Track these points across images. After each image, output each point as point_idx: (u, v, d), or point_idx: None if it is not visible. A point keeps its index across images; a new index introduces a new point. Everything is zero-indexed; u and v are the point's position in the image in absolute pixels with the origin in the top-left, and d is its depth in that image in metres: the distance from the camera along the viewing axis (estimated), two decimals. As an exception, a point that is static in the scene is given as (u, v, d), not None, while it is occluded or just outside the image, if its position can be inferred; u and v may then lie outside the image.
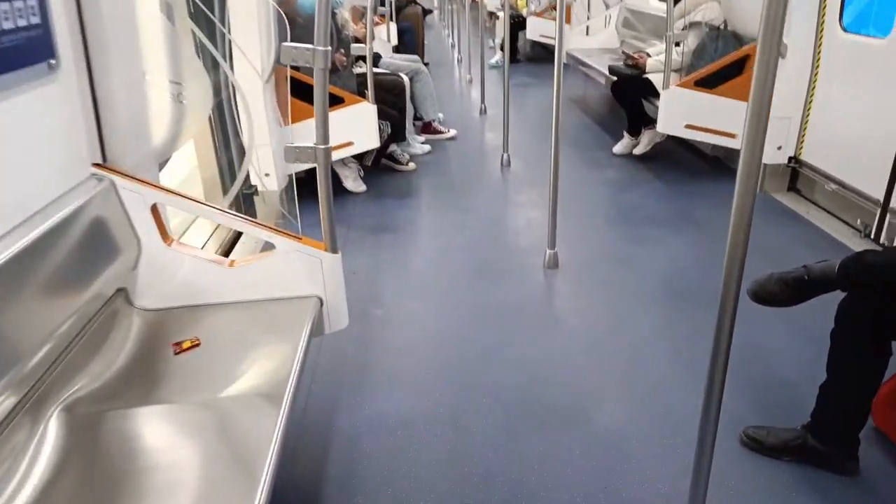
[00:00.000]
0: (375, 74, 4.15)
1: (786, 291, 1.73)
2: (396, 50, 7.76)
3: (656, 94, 4.00)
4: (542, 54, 8.41)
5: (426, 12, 12.19)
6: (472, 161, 4.48)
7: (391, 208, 3.64)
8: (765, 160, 3.44)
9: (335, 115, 3.60)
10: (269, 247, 1.76)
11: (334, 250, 1.74)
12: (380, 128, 3.59)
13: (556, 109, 2.63)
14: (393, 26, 6.88)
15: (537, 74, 7.39)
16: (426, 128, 4.93)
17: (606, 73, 5.35)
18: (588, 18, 7.03)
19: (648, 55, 4.18)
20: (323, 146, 1.64)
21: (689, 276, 2.73)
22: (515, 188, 3.94)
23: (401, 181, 4.07)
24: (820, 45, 3.23)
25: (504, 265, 2.91)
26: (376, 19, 6.39)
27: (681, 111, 3.63)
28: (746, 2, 3.71)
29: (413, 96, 4.78)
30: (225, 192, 3.65)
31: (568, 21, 6.77)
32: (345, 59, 3.66)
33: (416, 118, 5.01)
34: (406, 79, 4.46)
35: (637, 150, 4.24)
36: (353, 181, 3.81)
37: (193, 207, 1.67)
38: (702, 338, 2.41)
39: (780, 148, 3.47)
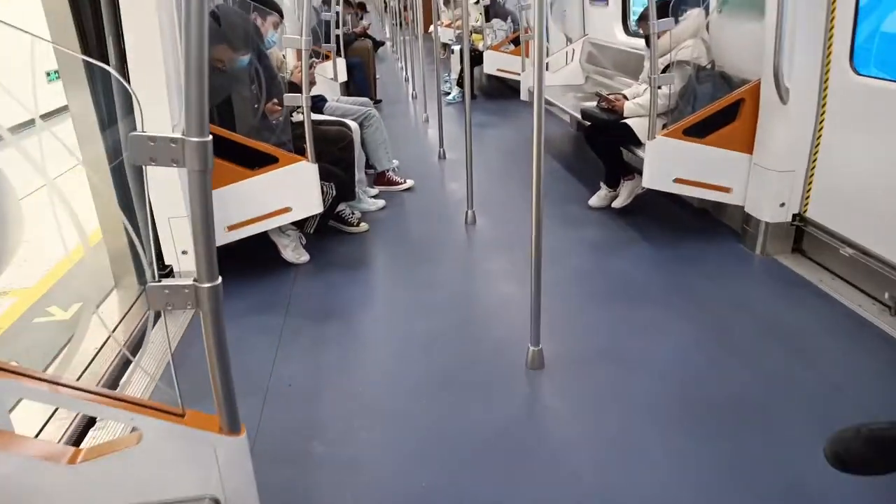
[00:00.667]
0: (318, 124, 3.61)
1: (882, 456, 1.21)
2: (346, 86, 7.27)
3: (636, 142, 3.56)
4: (501, 89, 8.04)
5: (377, 45, 11.75)
6: (433, 218, 3.95)
7: (338, 285, 3.07)
8: (766, 218, 3.02)
9: (267, 178, 3.02)
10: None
11: (235, 429, 1.16)
12: (323, 190, 3.03)
13: (537, 185, 2.10)
14: (341, 62, 6.36)
15: (496, 111, 6.98)
16: (380, 178, 4.40)
17: (571, 111, 4.95)
18: (547, 53, 6.66)
19: (625, 97, 3.75)
20: (208, 283, 1.06)
21: (705, 381, 2.23)
22: (483, 253, 3.42)
23: (350, 246, 3.51)
24: (826, 88, 2.83)
25: (477, 367, 2.35)
26: (318, 58, 5.87)
27: (669, 164, 3.18)
28: (736, 39, 3.31)
29: (364, 143, 4.25)
30: (138, 271, 3.03)
31: (527, 55, 6.38)
32: (279, 108, 3.10)
33: (367, 166, 4.48)
34: (354, 126, 3.92)
35: (616, 204, 3.78)
36: (292, 251, 3.22)
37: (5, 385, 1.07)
38: (735, 473, 1.84)
39: (783, 205, 3.04)
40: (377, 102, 7.55)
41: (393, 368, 2.38)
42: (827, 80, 2.82)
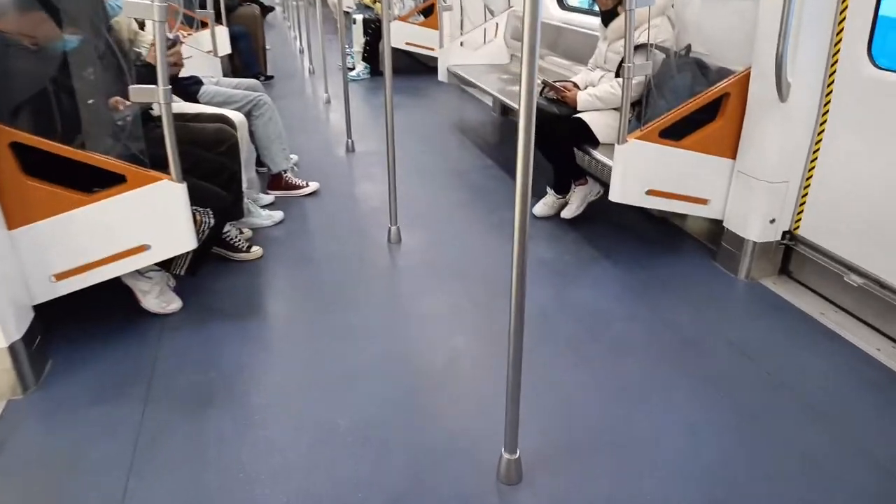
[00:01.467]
0: (190, 118, 2.74)
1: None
2: (231, 60, 6.21)
3: (592, 141, 2.97)
4: (409, 64, 7.22)
5: (266, 10, 10.49)
6: (346, 234, 3.17)
7: (222, 344, 2.25)
8: (753, 237, 2.53)
9: (111, 205, 2.11)
10: None
11: None
12: (196, 218, 2.19)
13: (520, 251, 1.41)
14: (223, 32, 5.33)
15: (406, 91, 6.19)
16: (275, 182, 3.55)
17: (496, 94, 4.31)
18: (461, 26, 5.95)
19: (576, 86, 3.13)
20: None
21: (739, 479, 1.67)
22: (416, 286, 2.70)
23: (238, 281, 2.68)
24: (831, 83, 2.33)
25: (429, 483, 1.66)
26: (191, 26, 4.83)
27: (642, 173, 2.60)
28: (714, 19, 2.75)
29: (254, 138, 3.39)
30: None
31: (434, 27, 5.63)
32: (125, 103, 2.19)
33: (258, 163, 3.62)
34: (239, 118, 3.05)
35: (567, 213, 3.18)
36: (156, 298, 2.36)
37: None
38: None
39: (773, 221, 2.55)
40: (268, 79, 6.55)
41: (306, 493, 1.64)
42: (833, 73, 2.32)
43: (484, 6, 5.32)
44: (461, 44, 5.11)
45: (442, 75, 4.98)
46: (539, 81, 3.32)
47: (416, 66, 7.11)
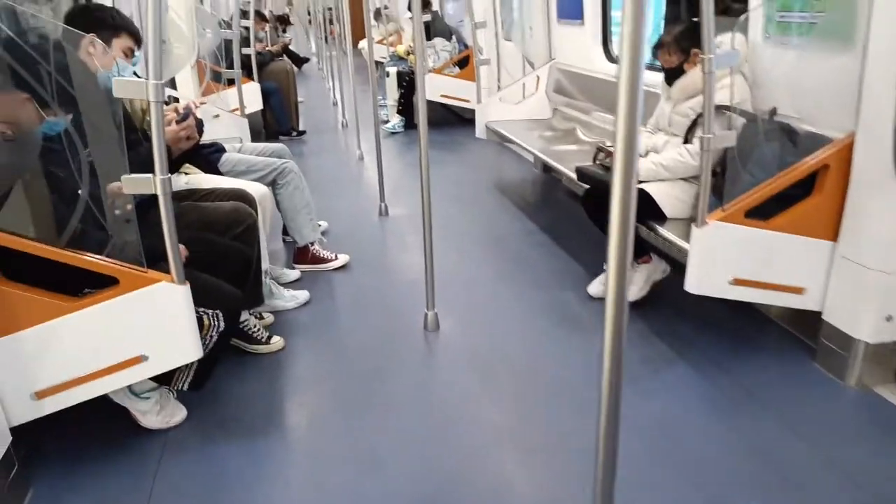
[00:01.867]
0: (203, 196, 2.47)
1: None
2: (263, 116, 6.08)
3: (658, 215, 2.59)
4: (444, 116, 7.00)
5: (301, 62, 10.52)
6: (378, 319, 2.82)
7: (230, 466, 1.90)
8: (865, 337, 2.08)
9: (101, 312, 1.75)
10: None
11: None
12: (202, 322, 1.87)
13: (612, 396, 1.05)
14: (254, 89, 5.17)
15: (443, 144, 5.92)
16: (302, 255, 3.24)
17: (538, 153, 4.01)
18: (499, 79, 5.68)
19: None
20: None
21: None
22: (458, 388, 2.31)
23: (254, 380, 2.34)
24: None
25: None
26: (219, 82, 4.66)
27: (725, 260, 2.20)
28: (806, 77, 2.36)
29: (280, 208, 3.12)
30: None
31: (470, 78, 5.39)
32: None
33: (286, 233, 3.35)
34: (261, 191, 2.77)
35: (630, 296, 2.77)
36: (157, 416, 2.03)
37: None
38: None
39: (889, 318, 2.12)
40: (300, 134, 6.36)
41: None
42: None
43: (523, 58, 5.05)
44: (500, 99, 4.84)
45: (480, 132, 4.69)
46: (595, 147, 2.98)
47: (452, 119, 6.88)
